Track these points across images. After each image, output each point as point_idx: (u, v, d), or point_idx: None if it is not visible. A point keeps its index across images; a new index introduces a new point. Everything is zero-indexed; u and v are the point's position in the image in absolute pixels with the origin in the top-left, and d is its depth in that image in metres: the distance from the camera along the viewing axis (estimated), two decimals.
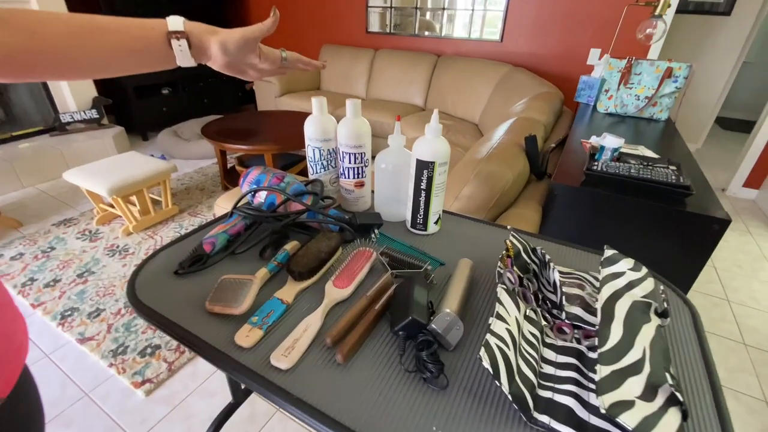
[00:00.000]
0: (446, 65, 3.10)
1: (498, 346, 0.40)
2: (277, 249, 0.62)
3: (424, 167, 0.62)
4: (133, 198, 2.15)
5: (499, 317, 0.43)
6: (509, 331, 0.42)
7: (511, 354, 0.40)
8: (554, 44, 2.87)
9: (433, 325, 0.46)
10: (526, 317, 0.47)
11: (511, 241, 0.55)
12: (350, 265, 0.58)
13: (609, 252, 0.56)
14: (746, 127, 4.47)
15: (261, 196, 0.67)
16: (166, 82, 3.62)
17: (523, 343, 0.44)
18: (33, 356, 1.46)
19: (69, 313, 1.65)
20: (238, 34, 0.49)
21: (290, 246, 0.61)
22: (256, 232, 0.66)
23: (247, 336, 0.46)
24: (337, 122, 0.71)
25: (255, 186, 0.68)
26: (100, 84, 3.41)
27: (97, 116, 3.16)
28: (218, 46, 0.48)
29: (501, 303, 0.45)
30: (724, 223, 0.95)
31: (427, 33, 3.29)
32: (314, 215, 0.66)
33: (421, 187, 0.64)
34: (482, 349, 0.38)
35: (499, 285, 0.47)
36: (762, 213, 2.71)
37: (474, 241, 0.69)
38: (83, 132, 3.09)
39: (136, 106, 3.39)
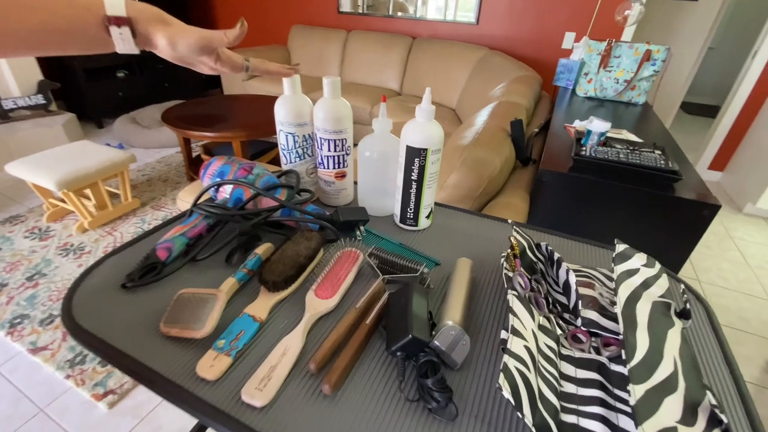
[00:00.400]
0: (422, 48, 3.00)
1: (518, 369, 0.33)
2: (246, 253, 0.53)
3: (416, 155, 0.55)
4: (88, 191, 1.96)
5: (515, 332, 0.36)
6: (527, 349, 0.36)
7: (532, 377, 0.34)
8: (530, 27, 2.83)
9: (436, 342, 0.39)
10: (540, 326, 0.41)
11: (515, 238, 0.49)
12: (334, 269, 0.50)
13: (621, 246, 0.51)
14: (709, 111, 4.64)
15: (226, 191, 0.58)
16: (120, 64, 3.34)
17: (541, 360, 0.38)
18: None
19: (18, 320, 1.49)
20: (194, 37, 0.41)
21: (262, 249, 0.52)
22: (220, 234, 0.57)
23: (211, 366, 0.38)
24: (313, 104, 0.62)
25: (218, 179, 0.58)
26: (45, 66, 3.10)
27: (44, 102, 2.88)
28: (166, 42, 0.40)
29: (515, 314, 0.38)
30: (714, 209, 0.94)
31: (400, 14, 3.17)
32: (290, 212, 0.57)
33: (412, 177, 0.57)
34: (501, 375, 0.32)
35: (510, 291, 0.41)
36: (726, 194, 2.80)
37: (470, 236, 0.62)
38: (29, 120, 2.80)
39: (88, 90, 3.12)
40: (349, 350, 0.39)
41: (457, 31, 3.05)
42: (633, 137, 1.28)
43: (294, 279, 0.48)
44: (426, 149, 0.54)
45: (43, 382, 1.28)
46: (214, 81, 3.98)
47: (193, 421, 1.14)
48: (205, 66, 0.46)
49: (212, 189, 0.59)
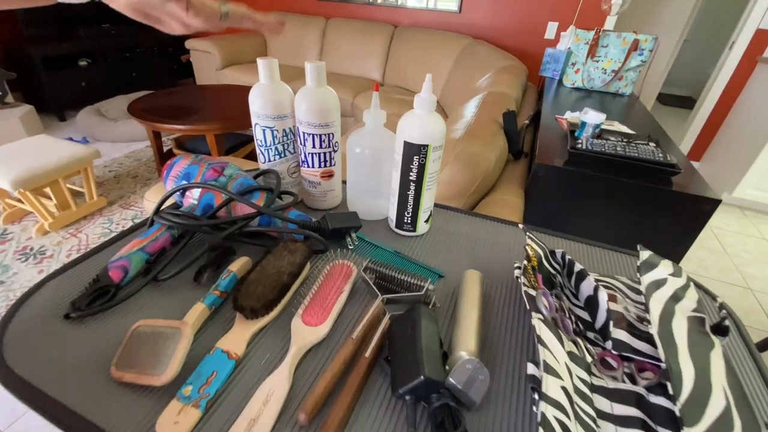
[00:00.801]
0: (404, 37, 2.91)
1: (557, 420, 0.27)
2: (218, 270, 0.45)
3: (415, 152, 0.48)
4: (48, 190, 1.81)
5: (548, 368, 0.30)
6: (564, 390, 0.30)
7: (572, 425, 0.28)
8: (513, 17, 2.78)
9: (451, 380, 0.32)
10: (569, 353, 0.35)
11: (532, 248, 0.43)
12: (323, 288, 0.43)
13: (645, 253, 0.46)
14: (683, 102, 4.74)
15: (193, 196, 0.49)
16: (82, 52, 3.11)
17: (577, 399, 0.32)
18: None
19: None
20: None
21: (238, 265, 0.45)
22: (187, 247, 0.49)
23: (175, 423, 0.30)
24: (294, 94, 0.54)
25: (184, 182, 0.50)
26: (0, 55, 2.86)
27: None
28: None
29: (544, 344, 0.32)
30: (713, 203, 0.91)
31: (379, 1, 3.06)
32: (269, 220, 0.50)
33: (410, 177, 0.50)
34: (540, 431, 0.26)
35: (535, 316, 0.35)
36: None
37: (473, 241, 0.56)
38: None
39: (47, 80, 2.89)
40: (347, 394, 0.32)
41: (440, 19, 2.97)
42: (625, 129, 1.25)
43: (276, 303, 0.40)
44: (427, 146, 0.47)
45: (3, 402, 1.17)
46: (186, 70, 3.77)
47: None
48: (172, 20, 0.36)
49: (177, 194, 0.50)
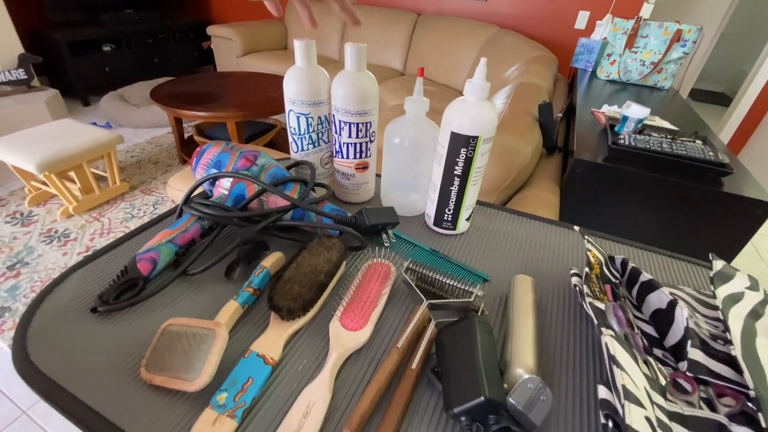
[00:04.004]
0: (427, 25, 2.83)
1: None
2: (250, 265, 0.42)
3: (462, 144, 0.44)
4: (72, 174, 1.83)
5: (628, 395, 0.26)
6: (648, 421, 0.26)
7: None
8: (541, 5, 2.67)
9: (511, 401, 0.29)
10: (645, 377, 0.32)
11: (593, 254, 0.39)
12: (361, 289, 0.40)
13: (718, 264, 0.41)
14: (717, 98, 4.53)
15: (224, 186, 0.47)
16: (106, 37, 3.14)
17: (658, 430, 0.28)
18: None
19: None
20: None
21: (271, 261, 0.42)
22: (218, 241, 0.46)
23: None
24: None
25: (214, 170, 0.47)
26: (26, 40, 2.90)
27: (26, 77, 2.69)
28: None
29: (620, 366, 0.28)
30: (767, 207, 0.84)
31: None
32: (303, 213, 0.46)
33: (455, 172, 0.46)
34: None
35: (605, 332, 0.31)
36: None
37: (518, 241, 0.52)
38: (9, 96, 2.62)
39: (72, 65, 2.92)
40: (394, 409, 0.29)
41: (465, 7, 2.88)
42: (668, 125, 1.18)
43: (313, 303, 0.37)
44: (477, 137, 0.43)
45: (23, 383, 1.19)
46: (206, 57, 3.77)
47: None
48: None
49: (207, 183, 0.48)
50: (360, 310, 0.38)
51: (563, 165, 1.15)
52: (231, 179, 0.46)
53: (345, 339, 0.35)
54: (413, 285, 0.40)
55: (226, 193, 0.46)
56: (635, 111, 1.01)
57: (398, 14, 2.92)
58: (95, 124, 2.65)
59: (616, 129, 1.07)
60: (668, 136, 1.02)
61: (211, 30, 3.21)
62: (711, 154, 0.90)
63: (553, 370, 0.35)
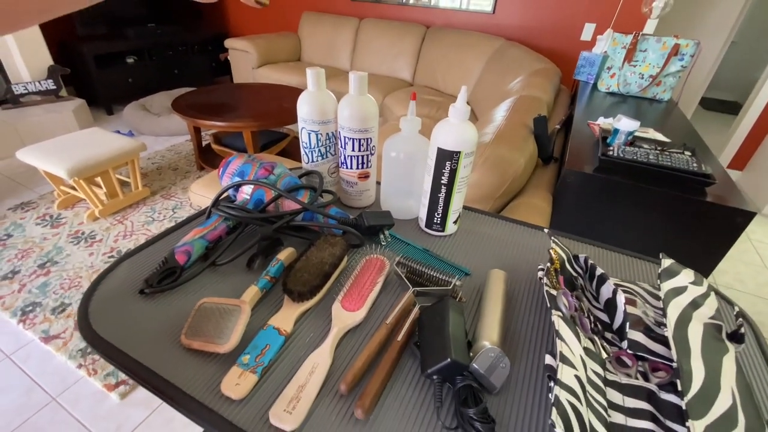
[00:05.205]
0: (435, 37, 2.93)
1: (569, 402, 0.31)
2: (268, 258, 0.51)
3: (447, 158, 0.52)
4: (98, 179, 1.95)
5: (564, 359, 0.34)
6: (577, 378, 0.33)
7: (583, 409, 0.31)
8: (548, 17, 2.74)
9: (474, 365, 0.36)
10: (585, 350, 0.39)
11: (555, 251, 0.46)
12: (360, 279, 0.48)
13: (667, 261, 0.48)
14: (727, 107, 4.51)
15: (246, 192, 0.55)
16: (130, 50, 3.31)
17: (590, 388, 0.35)
18: None
19: (30, 308, 1.49)
20: None
21: (285, 255, 0.50)
22: (241, 237, 0.55)
23: (237, 384, 0.35)
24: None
25: (238, 178, 0.56)
26: (55, 52, 3.08)
27: (54, 87, 2.87)
28: None
29: (562, 338, 0.36)
30: (747, 216, 0.89)
31: (412, 1, 3.09)
32: (312, 215, 0.55)
33: (442, 181, 0.54)
34: (553, 410, 0.29)
35: (555, 313, 0.38)
36: (745, 195, 2.73)
37: (499, 242, 0.59)
38: (39, 105, 2.80)
39: (97, 76, 3.09)
40: (381, 371, 0.37)
41: (473, 20, 2.97)
42: (660, 137, 1.24)
43: (319, 288, 0.45)
44: (459, 152, 0.51)
45: (55, 372, 1.28)
46: (223, 68, 3.94)
47: None
48: None
49: (231, 189, 0.56)
50: (358, 295, 0.45)
51: (558, 175, 1.22)
52: (252, 186, 0.55)
53: (344, 318, 0.43)
54: (402, 276, 0.48)
55: (248, 197, 0.55)
56: (625, 124, 1.08)
57: (408, 27, 3.03)
58: (119, 132, 2.80)
59: (608, 141, 1.14)
60: (657, 148, 1.08)
61: (228, 43, 3.36)
62: (695, 165, 0.96)
63: (517, 346, 0.42)
